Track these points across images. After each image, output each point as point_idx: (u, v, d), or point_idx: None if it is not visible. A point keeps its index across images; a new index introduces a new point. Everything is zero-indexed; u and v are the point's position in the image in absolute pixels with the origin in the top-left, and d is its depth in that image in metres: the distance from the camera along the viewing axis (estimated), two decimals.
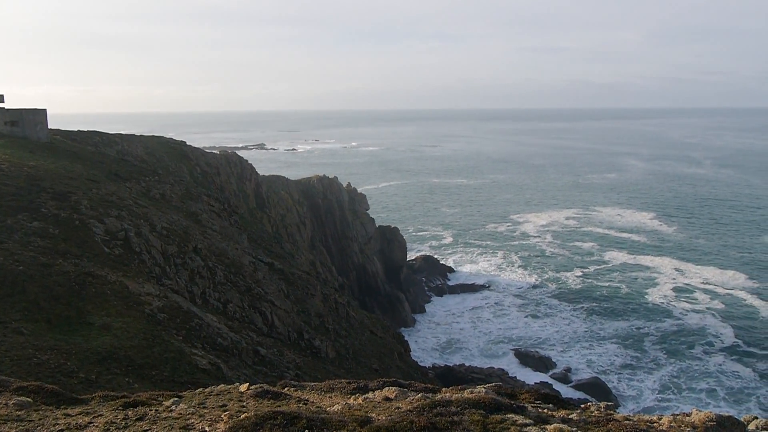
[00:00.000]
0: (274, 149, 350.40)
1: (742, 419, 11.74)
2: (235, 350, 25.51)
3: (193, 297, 29.89)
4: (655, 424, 9.67)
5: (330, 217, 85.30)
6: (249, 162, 71.44)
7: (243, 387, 12.17)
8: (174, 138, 64.44)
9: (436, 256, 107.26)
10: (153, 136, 62.73)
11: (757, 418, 13.02)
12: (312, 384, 13.37)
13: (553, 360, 67.92)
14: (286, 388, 12.71)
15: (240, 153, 77.00)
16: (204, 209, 43.46)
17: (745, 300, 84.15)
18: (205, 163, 59.76)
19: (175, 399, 11.43)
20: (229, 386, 12.61)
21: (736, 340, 71.21)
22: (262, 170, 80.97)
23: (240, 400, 11.15)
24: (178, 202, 41.67)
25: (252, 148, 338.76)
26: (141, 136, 60.26)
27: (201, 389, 12.61)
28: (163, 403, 11.11)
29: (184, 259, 31.76)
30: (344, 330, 41.20)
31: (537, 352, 69.49)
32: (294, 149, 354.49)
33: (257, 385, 12.13)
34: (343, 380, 13.35)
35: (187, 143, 62.81)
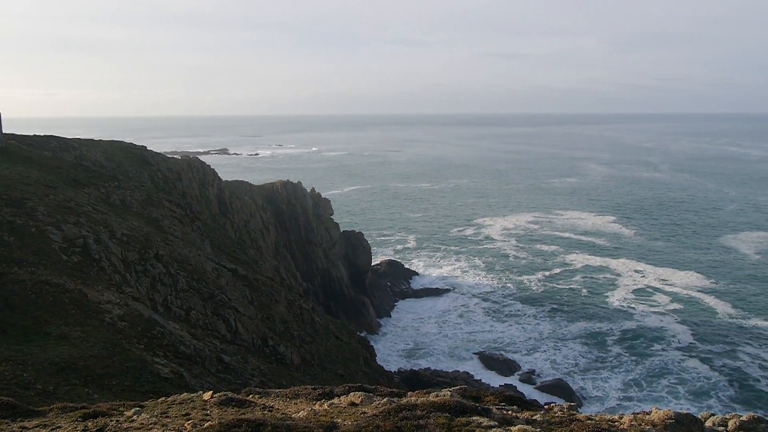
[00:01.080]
0: (237, 154, 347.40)
1: (699, 416, 12.02)
2: (198, 358, 25.16)
3: (155, 304, 29.40)
4: (616, 423, 9.85)
5: (294, 222, 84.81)
6: (211, 167, 70.65)
7: (207, 395, 12.00)
8: (134, 143, 63.31)
9: (400, 261, 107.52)
10: (113, 140, 61.53)
11: (714, 414, 13.37)
12: (277, 391, 13.26)
13: (518, 362, 68.61)
14: (250, 396, 12.59)
15: (202, 158, 76.03)
16: (165, 215, 42.80)
17: (702, 300, 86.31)
18: (167, 169, 58.86)
19: (137, 409, 11.22)
20: (193, 394, 12.43)
21: (695, 339, 72.95)
22: (225, 175, 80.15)
23: (203, 409, 11.00)
24: (138, 208, 40.97)
25: (214, 153, 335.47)
26: (100, 140, 59.05)
27: (163, 398, 12.41)
28: (125, 413, 10.89)
29: (145, 266, 31.22)
30: (309, 336, 40.96)
31: (502, 354, 70.11)
32: (257, 154, 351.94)
33: (221, 393, 11.99)
34: (308, 386, 13.28)
35: (148, 148, 61.81)
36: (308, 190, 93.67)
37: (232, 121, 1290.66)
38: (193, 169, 64.30)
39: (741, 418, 13.00)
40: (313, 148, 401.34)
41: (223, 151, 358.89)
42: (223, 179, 73.30)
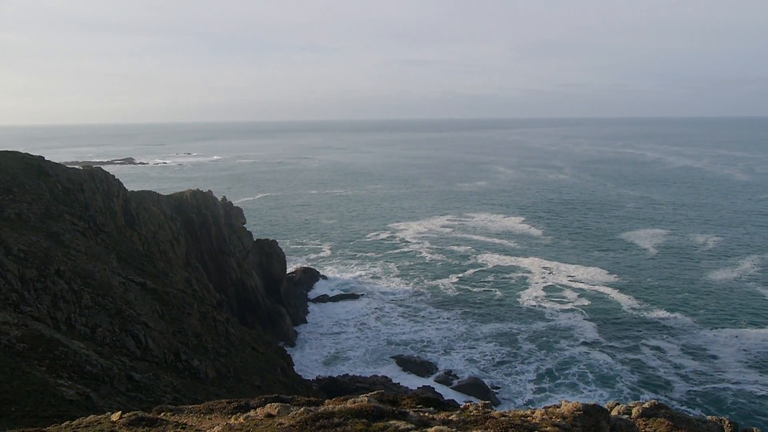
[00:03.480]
0: (143, 163, 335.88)
1: (605, 406, 12.58)
2: (106, 377, 24.08)
3: (57, 323, 27.94)
4: (529, 418, 10.16)
5: (205, 232, 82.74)
6: (116, 177, 67.87)
7: (115, 416, 11.51)
8: (30, 153, 59.87)
9: (315, 268, 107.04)
10: (6, 151, 57.89)
11: (618, 404, 14.05)
12: (190, 407, 12.88)
13: (435, 364, 69.63)
14: (162, 413, 12.16)
15: (106, 168, 72.62)
16: (67, 229, 40.77)
17: (607, 294, 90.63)
18: (67, 180, 56.03)
19: None
20: (100, 416, 11.89)
21: (601, 332, 76.50)
22: (131, 186, 77.24)
23: (112, 431, 10.53)
24: (36, 222, 38.83)
25: (119, 163, 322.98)
26: None
27: (68, 422, 11.81)
28: None
29: (45, 283, 29.62)
30: (224, 348, 40.05)
31: (419, 357, 70.92)
32: (164, 163, 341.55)
33: (131, 413, 11.52)
34: (223, 400, 12.98)
35: (46, 158, 58.62)
36: (219, 199, 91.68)
37: (137, 129, 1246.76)
38: (96, 180, 61.55)
39: (643, 406, 13.73)
40: (215, 156, 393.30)
41: (129, 161, 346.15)
42: (129, 190, 70.65)
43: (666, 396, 59.85)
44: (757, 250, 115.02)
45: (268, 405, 11.04)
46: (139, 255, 51.87)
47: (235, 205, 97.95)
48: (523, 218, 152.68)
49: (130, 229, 63.21)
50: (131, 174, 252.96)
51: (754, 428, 17.64)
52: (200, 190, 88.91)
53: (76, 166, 68.02)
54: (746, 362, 67.53)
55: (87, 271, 34.46)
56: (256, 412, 10.89)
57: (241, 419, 10.51)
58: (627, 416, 11.79)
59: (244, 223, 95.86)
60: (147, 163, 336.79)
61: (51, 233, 38.25)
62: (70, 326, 28.72)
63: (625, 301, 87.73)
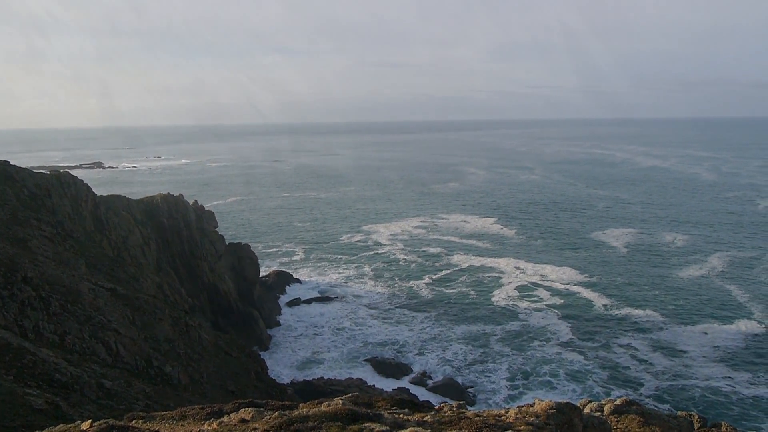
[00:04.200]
0: (112, 167, 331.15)
1: (578, 404, 12.72)
2: (76, 385, 23.68)
3: (25, 331, 27.39)
4: (503, 417, 10.22)
5: (176, 236, 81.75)
6: (84, 182, 66.77)
7: (85, 424, 11.32)
8: None
9: (289, 271, 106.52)
10: None
11: (591, 401, 14.23)
12: (163, 413, 12.72)
13: (410, 365, 69.73)
14: (134, 421, 12.00)
15: (74, 172, 71.29)
16: (34, 234, 40.01)
17: (580, 293, 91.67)
18: (34, 185, 54.97)
19: None
20: (69, 425, 11.69)
21: (573, 329, 77.36)
22: (100, 190, 75.94)
23: None
24: (2, 228, 38.05)
25: (87, 167, 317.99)
26: None
27: None
28: None
29: (12, 291, 29.03)
30: (197, 354, 39.65)
31: (393, 359, 70.96)
32: (134, 167, 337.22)
33: (101, 421, 11.34)
34: (196, 406, 12.84)
35: (12, 163, 57.46)
36: (190, 203, 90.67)
37: (105, 132, 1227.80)
38: (63, 185, 60.47)
39: (615, 403, 13.92)
40: (184, 160, 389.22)
41: (97, 165, 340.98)
42: (98, 194, 69.56)
43: (637, 393, 60.75)
44: (724, 247, 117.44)
45: (242, 410, 10.96)
46: (108, 260, 51.14)
47: (206, 208, 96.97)
48: (495, 219, 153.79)
49: (100, 234, 62.27)
50: (100, 178, 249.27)
51: (723, 422, 18.00)
52: (171, 194, 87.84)
53: (43, 171, 66.80)
54: (715, 357, 68.86)
55: (55, 277, 33.85)
56: (230, 418, 10.79)
57: (214, 425, 10.41)
58: (599, 413, 11.94)
59: (216, 227, 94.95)
60: (116, 167, 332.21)
61: (18, 239, 37.51)
62: (39, 334, 28.19)
63: (597, 299, 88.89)
